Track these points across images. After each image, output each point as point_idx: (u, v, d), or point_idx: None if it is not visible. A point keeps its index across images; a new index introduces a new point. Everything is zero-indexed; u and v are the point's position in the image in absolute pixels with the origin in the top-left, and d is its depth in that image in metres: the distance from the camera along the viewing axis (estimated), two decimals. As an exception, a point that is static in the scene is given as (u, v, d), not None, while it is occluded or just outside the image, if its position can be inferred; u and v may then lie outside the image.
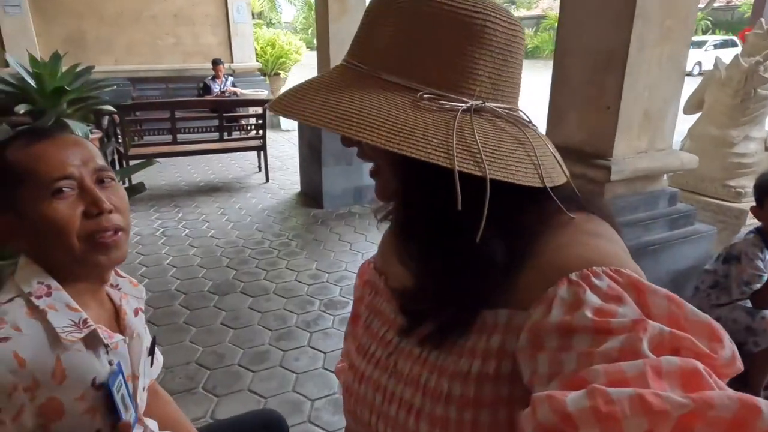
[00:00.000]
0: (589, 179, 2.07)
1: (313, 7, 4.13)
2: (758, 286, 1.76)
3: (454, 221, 0.49)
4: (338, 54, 4.42)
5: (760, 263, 1.77)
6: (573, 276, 0.44)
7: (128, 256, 2.94)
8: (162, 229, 4.12)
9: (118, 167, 5.11)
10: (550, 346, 0.42)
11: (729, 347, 0.40)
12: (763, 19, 3.57)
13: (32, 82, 3.58)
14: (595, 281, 0.43)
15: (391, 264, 0.66)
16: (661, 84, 2.00)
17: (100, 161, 0.83)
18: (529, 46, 30.39)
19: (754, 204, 1.89)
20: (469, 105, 0.49)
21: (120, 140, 4.85)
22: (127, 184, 4.77)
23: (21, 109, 3.24)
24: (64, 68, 3.93)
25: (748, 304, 1.85)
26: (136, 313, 0.94)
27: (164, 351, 2.49)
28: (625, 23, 1.85)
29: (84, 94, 3.75)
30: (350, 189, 4.57)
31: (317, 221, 4.31)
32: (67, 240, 0.76)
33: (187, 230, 4.11)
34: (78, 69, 3.90)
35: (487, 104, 0.50)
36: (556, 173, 0.53)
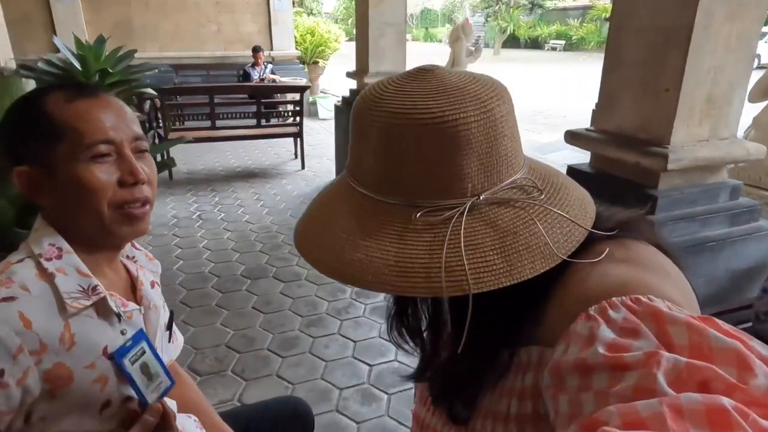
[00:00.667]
0: (642, 168, 1.92)
1: (353, -6, 4.08)
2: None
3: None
4: (376, 41, 4.34)
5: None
6: (591, 310, 0.43)
7: (165, 238, 2.96)
8: (198, 213, 4.17)
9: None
10: (570, 386, 0.40)
11: (764, 374, 0.34)
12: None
13: (77, 65, 3.65)
14: (612, 314, 0.41)
15: None
16: (728, 65, 1.82)
17: (138, 129, 0.80)
18: (574, 38, 29.50)
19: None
20: (461, 209, 0.48)
21: (161, 124, 4.93)
22: (159, 159, 4.85)
23: (66, 90, 3.30)
24: (108, 52, 3.99)
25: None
26: (152, 285, 0.91)
27: (195, 332, 2.50)
28: (690, -3, 1.69)
29: (126, 77, 3.80)
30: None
31: (351, 209, 4.26)
32: (98, 206, 0.74)
33: (222, 214, 4.14)
34: (120, 53, 3.95)
35: (482, 197, 0.49)
36: (572, 233, 0.50)
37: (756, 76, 3.43)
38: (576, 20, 30.02)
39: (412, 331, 0.62)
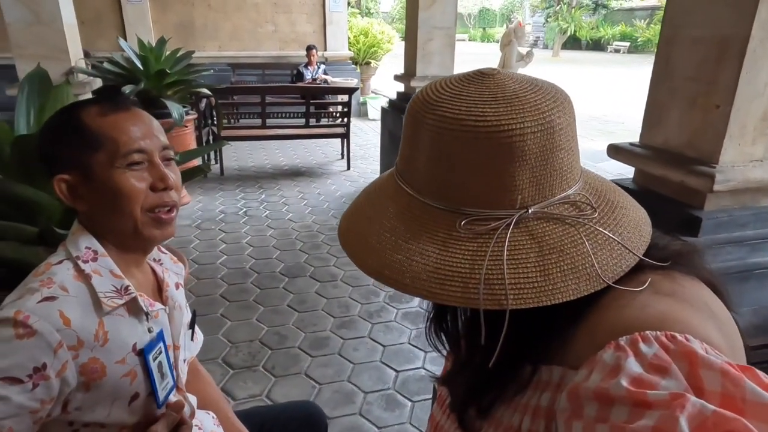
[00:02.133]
0: (687, 188, 1.83)
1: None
2: None
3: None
4: (424, 44, 4.33)
5: None
6: (621, 341, 0.41)
7: (211, 232, 3.08)
8: (245, 209, 4.31)
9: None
10: (587, 414, 0.39)
11: None
12: None
13: (139, 65, 3.86)
14: (643, 348, 0.40)
15: None
16: (788, 81, 1.70)
17: (165, 139, 0.86)
18: (640, 40, 28.21)
19: None
20: (508, 221, 0.46)
21: (215, 122, 5.13)
22: (208, 160, 5.04)
23: (127, 89, 3.51)
24: (168, 52, 4.20)
25: None
26: (177, 287, 0.97)
27: (232, 326, 2.60)
28: (747, 7, 1.59)
29: (183, 77, 3.99)
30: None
31: (392, 212, 4.28)
32: (132, 210, 0.79)
33: (267, 211, 4.26)
34: (179, 54, 4.15)
35: (531, 210, 0.47)
36: (622, 258, 0.48)
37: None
38: (643, 21, 28.69)
39: (448, 335, 0.61)
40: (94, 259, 0.80)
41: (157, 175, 0.81)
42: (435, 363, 2.34)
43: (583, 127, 8.43)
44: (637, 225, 0.50)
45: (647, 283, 0.47)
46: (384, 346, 2.46)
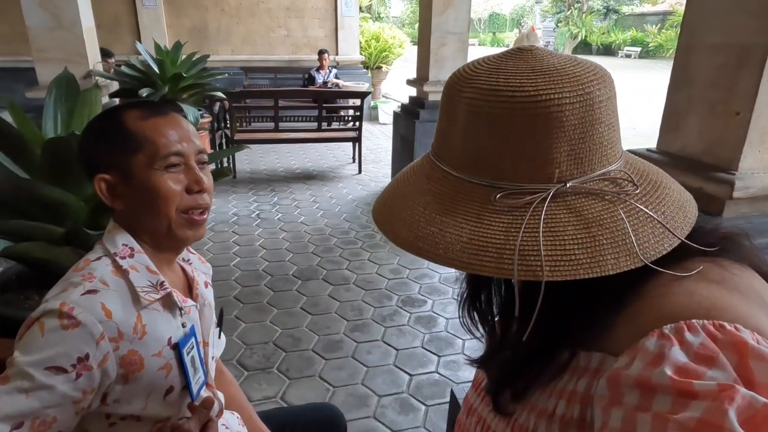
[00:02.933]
0: (706, 194, 1.82)
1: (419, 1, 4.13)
2: None
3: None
4: (437, 49, 4.35)
5: None
6: (666, 329, 0.40)
7: (224, 235, 3.10)
8: (257, 212, 4.34)
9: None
10: (627, 402, 0.38)
11: None
12: None
13: (155, 68, 3.92)
14: (688, 336, 0.38)
15: None
16: (809, 88, 1.69)
17: (200, 143, 0.88)
18: (651, 45, 28.04)
19: None
20: (545, 194, 0.45)
21: (228, 125, 5.18)
22: (225, 165, 5.08)
23: (144, 92, 3.55)
24: (184, 56, 4.25)
25: None
26: (206, 285, 0.99)
27: (246, 328, 2.62)
28: (765, 14, 1.59)
29: (198, 81, 4.03)
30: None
31: (404, 216, 4.29)
32: (168, 210, 0.82)
33: (280, 214, 4.29)
34: (195, 57, 4.20)
35: (569, 184, 0.46)
36: (664, 238, 0.46)
37: None
38: (654, 26, 28.53)
39: (483, 316, 0.60)
40: (131, 256, 0.82)
41: (193, 178, 0.84)
42: (449, 368, 2.34)
43: (594, 132, 8.39)
44: (681, 206, 0.48)
45: (696, 271, 0.45)
46: (397, 349, 2.47)
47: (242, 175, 5.39)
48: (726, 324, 0.38)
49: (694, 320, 0.39)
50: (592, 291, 0.46)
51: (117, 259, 0.81)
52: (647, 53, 28.12)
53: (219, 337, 1.06)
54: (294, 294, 2.99)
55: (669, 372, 0.36)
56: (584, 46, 29.33)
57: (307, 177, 5.45)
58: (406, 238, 0.49)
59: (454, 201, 0.49)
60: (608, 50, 30.11)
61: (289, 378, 2.25)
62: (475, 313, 0.61)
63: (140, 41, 6.89)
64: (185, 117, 0.89)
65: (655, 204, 0.47)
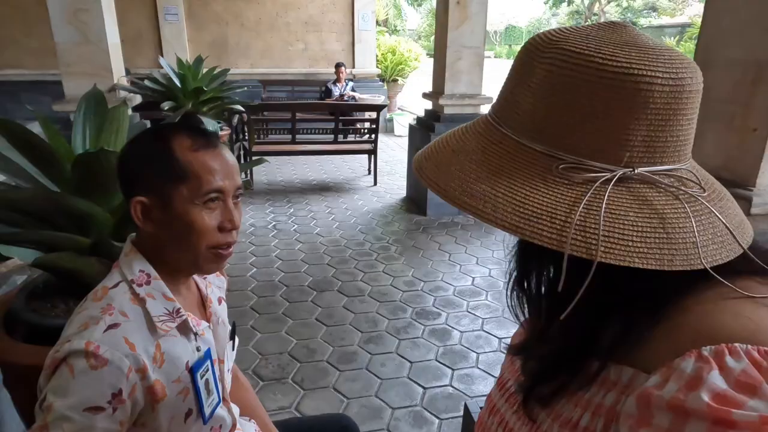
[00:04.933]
0: (723, 210, 1.81)
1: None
2: None
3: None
4: (453, 63, 4.39)
5: None
6: (705, 350, 0.38)
7: (241, 245, 3.13)
8: (274, 223, 4.39)
9: (243, 162, 5.56)
10: (658, 424, 0.37)
11: None
12: None
13: (177, 82, 4.02)
14: (729, 361, 0.36)
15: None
16: (828, 104, 1.69)
17: (239, 179, 0.89)
18: (669, 57, 27.70)
19: None
20: (611, 176, 0.43)
21: (246, 137, 5.27)
22: (244, 178, 5.14)
23: (166, 105, 3.65)
24: (205, 70, 4.35)
25: None
26: (219, 301, 1.01)
27: (262, 339, 2.65)
28: (784, 32, 1.59)
29: (218, 94, 4.13)
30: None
31: (419, 228, 4.31)
32: (198, 245, 0.83)
33: (295, 225, 4.34)
34: (215, 71, 4.30)
35: (637, 170, 0.44)
36: (725, 246, 0.44)
37: None
38: (673, 38, 28.32)
39: (530, 298, 0.57)
40: (148, 283, 0.83)
41: (227, 217, 0.84)
42: (463, 381, 2.34)
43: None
44: (741, 221, 0.47)
45: (738, 287, 0.43)
46: (411, 362, 2.48)
47: (259, 186, 5.46)
48: None
49: (736, 344, 0.37)
50: (634, 293, 0.45)
51: (134, 286, 0.82)
52: (665, 65, 27.75)
53: (233, 350, 1.08)
54: (309, 305, 3.01)
55: (706, 398, 0.35)
56: (601, 59, 29.20)
57: (322, 189, 5.51)
58: (454, 192, 0.46)
59: (511, 163, 0.46)
60: (625, 62, 29.95)
61: (304, 389, 2.27)
62: (522, 296, 0.57)
63: (162, 55, 7.06)
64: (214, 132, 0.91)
65: (720, 212, 0.45)
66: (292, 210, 4.75)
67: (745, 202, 1.69)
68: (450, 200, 0.46)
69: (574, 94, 0.43)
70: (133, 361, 0.76)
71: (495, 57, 35.36)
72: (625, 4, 28.30)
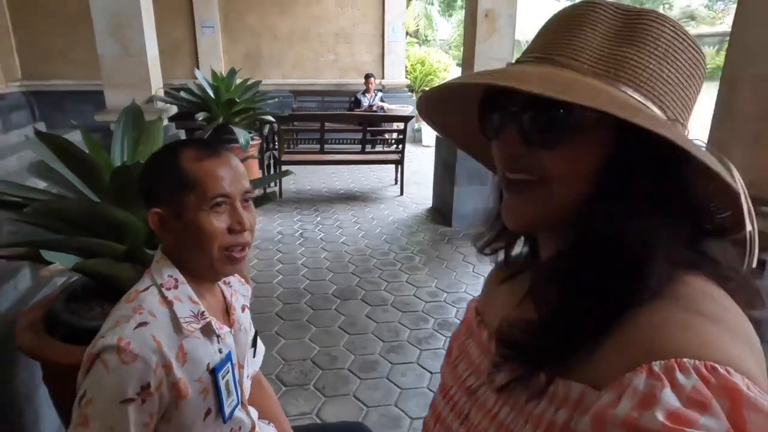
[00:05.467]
0: (751, 228, 1.78)
1: (464, 26, 4.26)
2: None
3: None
4: (482, 74, 4.40)
5: None
6: (655, 366, 0.38)
7: (268, 252, 3.21)
8: (301, 231, 4.48)
9: (273, 171, 5.69)
10: None
11: None
12: None
13: (211, 94, 4.16)
14: (680, 378, 0.37)
15: (490, 305, 0.67)
16: None
17: (247, 183, 0.95)
18: (709, 66, 26.95)
19: None
20: (666, 119, 0.46)
21: (276, 146, 5.41)
22: (273, 187, 5.27)
23: (200, 116, 3.79)
24: (238, 81, 4.50)
25: None
26: (243, 309, 1.07)
27: (285, 345, 2.71)
28: (814, 49, 1.56)
29: (250, 105, 4.25)
30: (481, 210, 4.50)
31: (444, 239, 4.32)
32: (210, 247, 0.89)
33: (322, 234, 4.41)
34: (248, 83, 4.44)
35: (676, 125, 0.47)
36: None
37: None
38: (712, 48, 27.58)
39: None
40: (176, 287, 0.90)
41: (236, 219, 0.90)
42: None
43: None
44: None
45: (688, 298, 0.44)
46: (432, 373, 2.49)
47: (288, 195, 5.58)
48: (718, 366, 0.37)
49: (685, 359, 0.38)
50: (585, 306, 0.45)
51: (163, 290, 0.89)
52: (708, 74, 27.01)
53: (254, 356, 1.13)
54: (333, 313, 3.06)
55: (660, 417, 0.35)
56: (636, 68, 28.62)
57: (349, 198, 5.58)
58: (479, 76, 0.48)
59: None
60: (662, 72, 29.26)
61: (325, 395, 2.31)
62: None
63: (198, 66, 7.31)
64: (237, 142, 0.98)
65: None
66: (318, 219, 4.83)
67: (773, 221, 1.66)
68: (475, 78, 0.48)
69: (687, 60, 0.48)
70: (160, 357, 0.82)
71: (526, 67, 35.10)
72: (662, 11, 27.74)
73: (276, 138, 5.46)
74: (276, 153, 5.49)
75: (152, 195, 0.93)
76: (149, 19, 3.87)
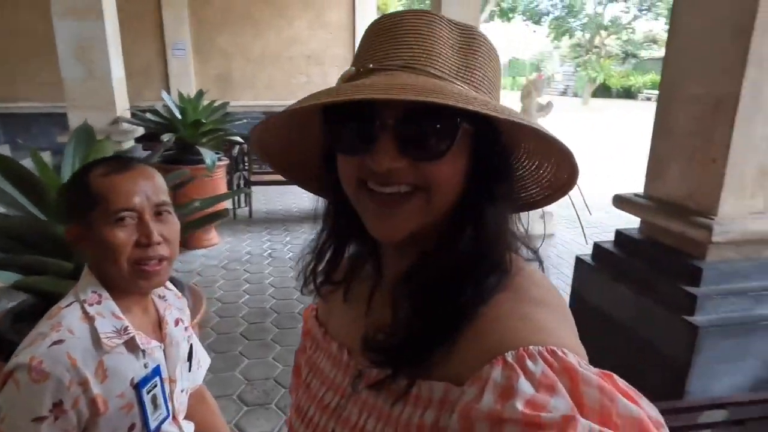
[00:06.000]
0: (688, 239, 1.87)
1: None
2: None
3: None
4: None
5: None
6: (508, 357, 0.41)
7: (236, 272, 3.21)
8: (270, 251, 4.47)
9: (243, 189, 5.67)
10: None
11: None
12: None
13: (178, 115, 4.17)
14: (530, 365, 0.41)
15: (331, 315, 0.65)
16: (784, 137, 1.76)
17: (163, 196, 0.95)
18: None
19: None
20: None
21: (246, 167, 5.41)
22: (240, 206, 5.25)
23: (166, 137, 3.78)
24: (206, 103, 4.52)
25: None
26: (176, 323, 1.06)
27: (249, 364, 2.69)
28: (735, 69, 1.68)
29: (218, 126, 4.27)
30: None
31: (412, 256, 4.36)
32: (118, 261, 0.89)
33: (291, 253, 4.41)
34: (215, 104, 4.46)
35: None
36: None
37: None
38: (674, 70, 28.69)
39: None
40: (99, 302, 0.90)
41: (143, 232, 0.89)
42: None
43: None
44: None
45: (519, 287, 0.49)
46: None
47: (258, 215, 5.56)
48: (556, 349, 0.41)
49: (531, 347, 0.41)
50: (438, 307, 0.48)
51: (85, 306, 0.88)
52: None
53: (190, 370, 1.11)
54: (298, 331, 3.04)
55: (520, 407, 0.38)
56: (605, 90, 29.61)
57: (318, 216, 5.58)
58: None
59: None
60: (629, 93, 30.29)
61: (287, 414, 2.30)
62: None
63: (169, 87, 7.30)
64: (203, 163, 0.99)
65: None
66: (288, 238, 4.83)
67: (707, 231, 1.75)
68: (417, 98, 0.42)
69: (497, 65, 0.53)
70: (75, 374, 0.82)
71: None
72: (625, 37, 28.86)
73: (246, 158, 5.46)
74: (246, 173, 5.49)
75: (69, 212, 0.94)
76: (115, 41, 3.88)
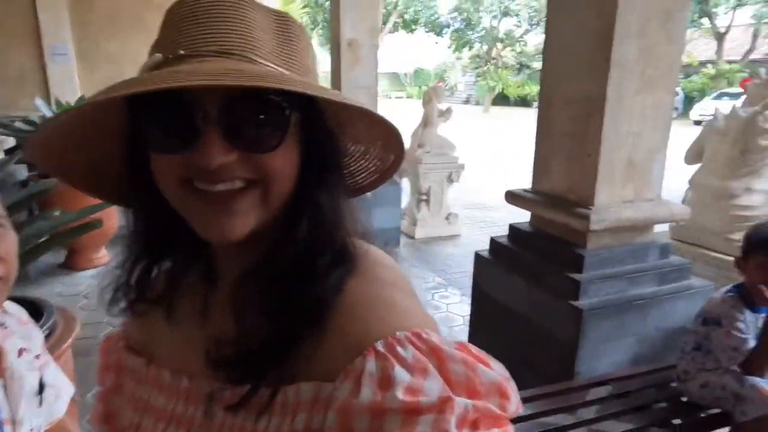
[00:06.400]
0: (571, 228, 2.00)
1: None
2: (746, 349, 1.61)
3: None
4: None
5: (741, 325, 1.62)
6: (379, 346, 0.40)
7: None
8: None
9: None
10: (359, 429, 0.38)
11: (515, 400, 0.41)
12: (763, 69, 3.49)
13: (56, 123, 3.80)
14: (401, 351, 0.40)
15: (158, 340, 0.57)
16: (646, 132, 1.95)
17: None
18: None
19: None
20: None
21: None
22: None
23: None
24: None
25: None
26: (20, 353, 0.92)
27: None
28: (601, 72, 1.83)
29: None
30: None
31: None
32: None
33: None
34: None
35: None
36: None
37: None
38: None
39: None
40: None
41: None
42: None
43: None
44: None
45: (370, 271, 0.48)
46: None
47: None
48: (420, 331, 0.42)
49: (397, 333, 0.41)
50: (290, 311, 0.45)
51: None
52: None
53: (41, 405, 0.95)
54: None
55: (400, 395, 0.37)
56: (503, 98, 31.43)
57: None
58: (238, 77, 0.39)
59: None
60: (524, 102, 32.40)
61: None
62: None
63: (50, 95, 6.66)
64: None
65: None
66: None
67: (585, 220, 1.88)
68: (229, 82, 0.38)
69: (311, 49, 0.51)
70: None
71: (407, 97, 36.97)
72: (519, 50, 30.92)
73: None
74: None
75: None
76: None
